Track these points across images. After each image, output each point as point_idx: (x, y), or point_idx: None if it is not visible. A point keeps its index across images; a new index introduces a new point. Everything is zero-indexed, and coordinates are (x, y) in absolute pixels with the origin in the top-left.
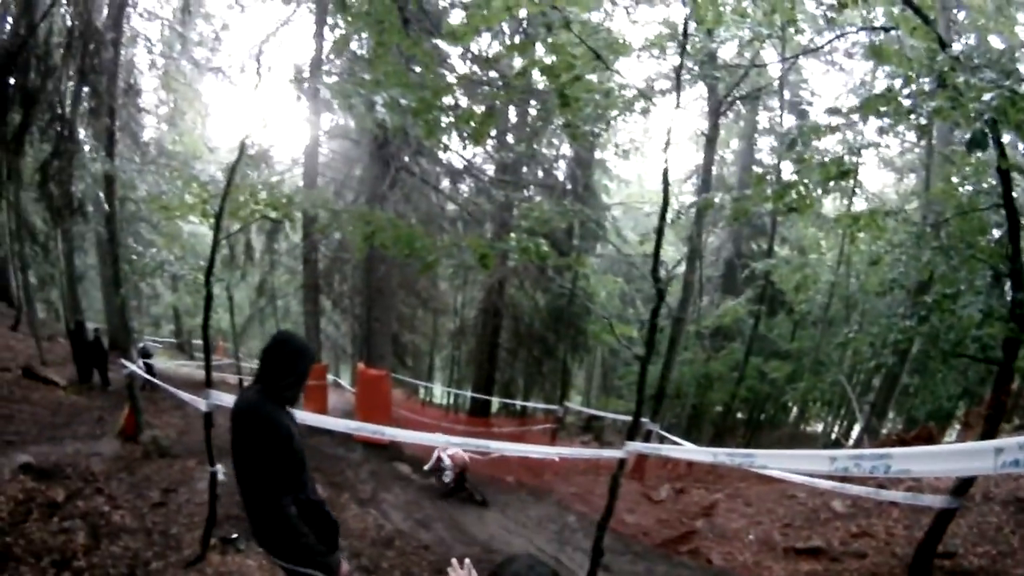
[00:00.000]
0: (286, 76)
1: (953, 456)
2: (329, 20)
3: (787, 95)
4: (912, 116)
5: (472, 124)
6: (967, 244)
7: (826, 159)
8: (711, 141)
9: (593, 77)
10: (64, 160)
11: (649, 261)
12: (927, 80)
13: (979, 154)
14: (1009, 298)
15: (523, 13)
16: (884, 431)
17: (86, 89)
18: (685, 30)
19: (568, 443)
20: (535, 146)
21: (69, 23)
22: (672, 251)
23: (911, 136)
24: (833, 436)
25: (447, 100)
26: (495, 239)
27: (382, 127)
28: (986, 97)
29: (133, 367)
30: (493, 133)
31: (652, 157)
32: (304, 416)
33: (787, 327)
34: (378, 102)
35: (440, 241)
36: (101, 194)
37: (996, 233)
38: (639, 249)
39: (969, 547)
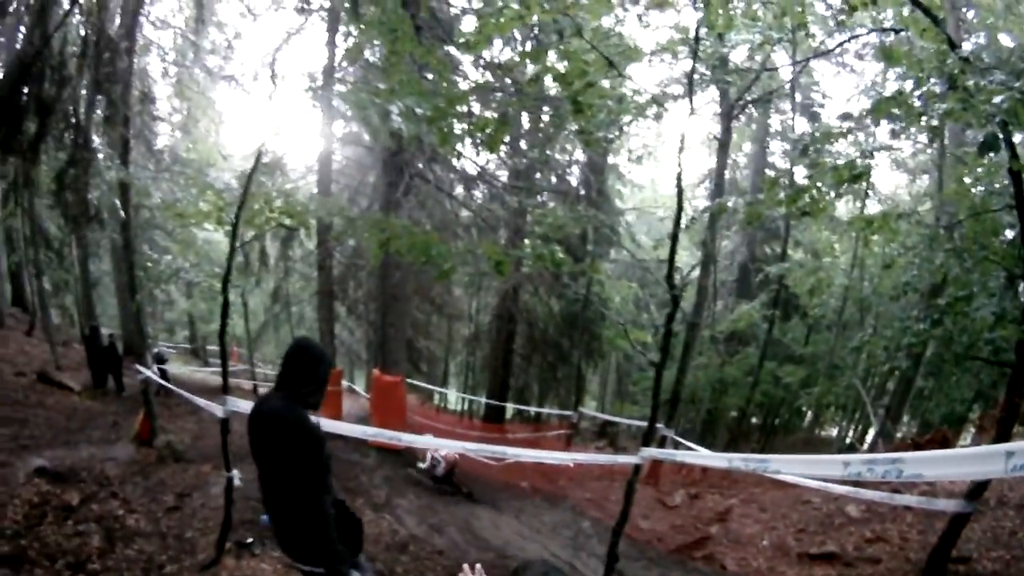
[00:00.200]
0: (299, 84)
1: (964, 460)
2: (341, 28)
3: (799, 98)
4: (923, 118)
5: (487, 131)
6: (980, 246)
7: (839, 162)
8: (723, 145)
9: (606, 83)
10: (80, 168)
11: (663, 266)
12: (938, 82)
13: (991, 155)
14: (1023, 300)
15: (535, 18)
16: (899, 435)
17: (100, 98)
18: (697, 35)
19: (583, 449)
20: (548, 152)
21: (83, 33)
22: (686, 256)
23: (923, 137)
24: (848, 440)
25: (461, 107)
26: (509, 245)
27: (397, 136)
28: (997, 99)
29: (148, 372)
30: (506, 139)
31: (665, 162)
32: (323, 422)
33: (801, 331)
34: (393, 112)
35: (455, 248)
36: (116, 201)
37: (1009, 234)
38: (653, 254)
39: (983, 551)
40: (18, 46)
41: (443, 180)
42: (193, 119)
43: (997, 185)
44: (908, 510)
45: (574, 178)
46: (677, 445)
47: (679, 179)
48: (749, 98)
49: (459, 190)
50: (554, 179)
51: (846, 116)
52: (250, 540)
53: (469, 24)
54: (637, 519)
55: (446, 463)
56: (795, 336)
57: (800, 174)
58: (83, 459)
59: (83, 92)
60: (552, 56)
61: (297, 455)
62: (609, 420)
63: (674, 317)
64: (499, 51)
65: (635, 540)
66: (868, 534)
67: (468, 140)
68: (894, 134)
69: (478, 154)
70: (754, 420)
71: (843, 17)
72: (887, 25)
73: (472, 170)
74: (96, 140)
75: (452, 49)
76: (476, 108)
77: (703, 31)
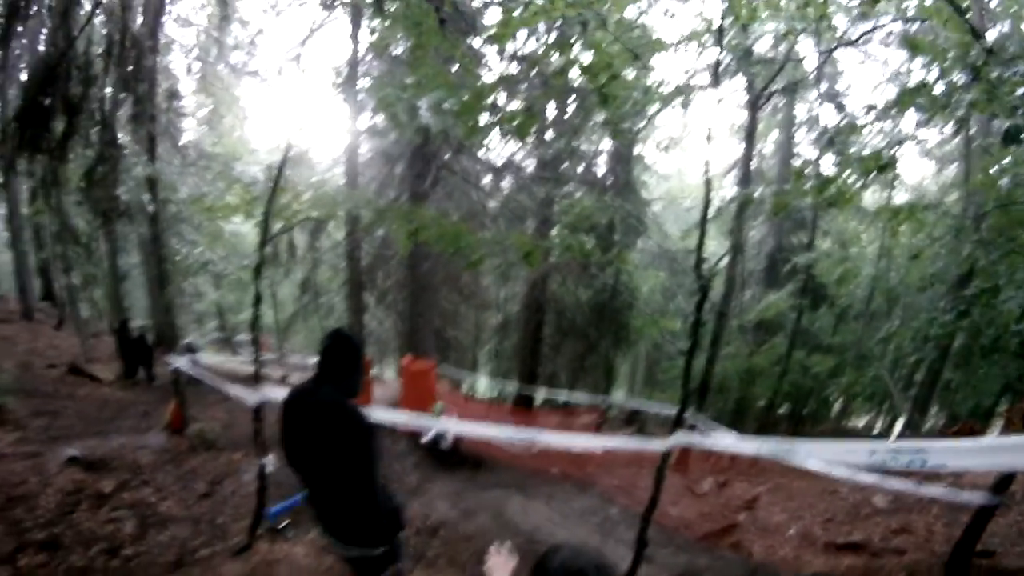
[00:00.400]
0: (324, 79)
1: (989, 451)
2: (364, 22)
3: (824, 87)
4: (948, 110)
5: (515, 123)
6: (1007, 238)
7: (865, 153)
8: (750, 135)
9: (631, 73)
10: (108, 165)
11: (691, 255)
12: (962, 72)
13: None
14: None
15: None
16: (926, 427)
17: (126, 96)
18: (721, 26)
19: (612, 436)
20: (575, 142)
21: (107, 34)
22: (714, 245)
23: (949, 127)
24: (875, 431)
25: (488, 100)
26: (537, 235)
27: (424, 130)
28: (1020, 91)
29: (180, 362)
30: (533, 130)
31: (691, 151)
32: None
33: (829, 321)
34: (421, 107)
35: (484, 238)
36: (145, 197)
37: None
38: (680, 244)
39: (1008, 546)
40: (41, 48)
41: (470, 171)
42: (218, 114)
43: None
44: (934, 502)
45: (601, 168)
46: (708, 430)
47: (707, 169)
48: (774, 88)
49: (486, 180)
50: (581, 169)
51: (871, 108)
52: (283, 524)
53: (492, 16)
54: (666, 506)
55: (452, 435)
56: (823, 325)
57: (827, 164)
58: (115, 448)
59: (108, 91)
60: (577, 48)
61: (356, 444)
62: (638, 408)
63: (703, 306)
64: (523, 43)
65: (663, 527)
66: (894, 525)
67: (495, 131)
68: (920, 124)
69: (504, 144)
70: (782, 410)
71: (866, 7)
72: (911, 14)
73: (499, 161)
74: (123, 137)
75: (477, 42)
76: (502, 100)
77: (727, 21)
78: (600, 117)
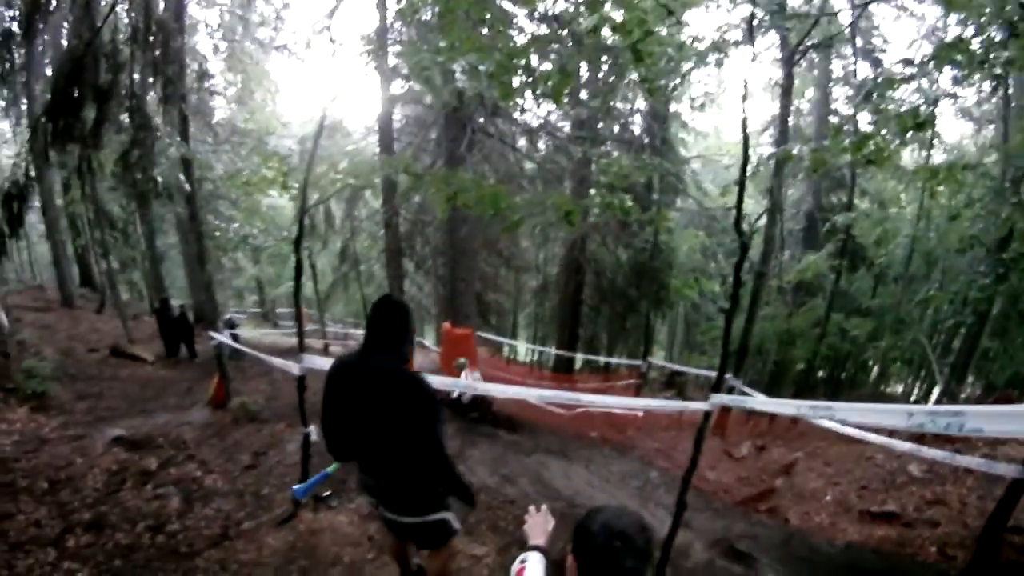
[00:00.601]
0: (354, 48)
1: None
2: None
3: (859, 42)
4: (985, 66)
5: (549, 83)
6: None
7: (902, 110)
8: (786, 91)
9: (664, 30)
10: (143, 149)
11: (729, 214)
12: (999, 28)
13: None
14: None
15: None
16: (963, 395)
17: (156, 79)
18: None
19: (651, 399)
20: (610, 101)
21: (132, 20)
22: (752, 204)
23: (987, 85)
24: (912, 398)
25: (521, 61)
26: (575, 195)
27: (458, 94)
28: None
29: (220, 338)
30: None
31: (728, 109)
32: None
33: (868, 283)
34: (456, 71)
35: (522, 199)
36: (181, 176)
37: None
38: (719, 202)
39: None
40: (65, 43)
41: (506, 133)
42: (248, 91)
43: None
44: (969, 473)
45: (637, 127)
46: (745, 395)
47: (744, 126)
48: (809, 43)
49: (522, 142)
50: (617, 128)
51: (908, 62)
52: (327, 493)
53: None
54: (704, 470)
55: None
56: (861, 287)
57: (864, 121)
58: (159, 426)
59: (137, 76)
60: (608, 5)
61: (422, 411)
62: (677, 370)
63: (743, 265)
64: (553, 2)
65: (702, 491)
66: (928, 495)
67: (529, 93)
68: (957, 81)
69: (539, 106)
70: (820, 374)
71: None
72: None
73: (534, 122)
74: (155, 120)
75: (507, 3)
76: (534, 59)
77: None
78: (634, 75)
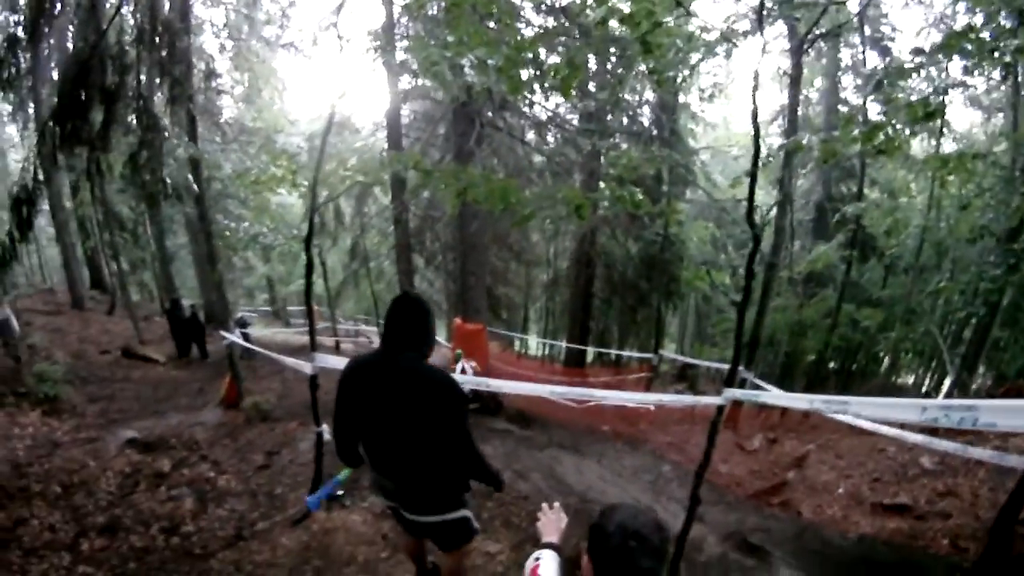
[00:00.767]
0: (361, 44)
1: None
2: None
3: (868, 31)
4: (995, 54)
5: (558, 77)
6: None
7: (912, 98)
8: (795, 81)
9: (671, 20)
10: (152, 150)
11: (739, 206)
12: (1008, 16)
13: None
14: None
15: None
16: (974, 386)
17: (160, 80)
18: None
19: (663, 392)
20: (618, 93)
21: (137, 22)
22: (761, 194)
23: (997, 73)
24: (924, 389)
25: (530, 55)
26: (585, 188)
27: (467, 89)
28: None
29: (232, 337)
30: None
31: (737, 100)
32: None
33: (879, 273)
34: (465, 65)
35: (532, 193)
36: (189, 176)
37: None
38: (729, 193)
39: None
40: (70, 46)
41: (514, 127)
42: (256, 89)
43: None
44: (980, 465)
45: (646, 119)
46: (757, 388)
47: (755, 117)
48: (818, 32)
49: (531, 136)
50: (625, 120)
51: (918, 51)
52: (341, 492)
53: None
54: (716, 463)
55: (473, 374)
56: (872, 278)
57: (873, 110)
58: (172, 427)
59: (143, 77)
60: None
61: (455, 408)
62: (688, 363)
63: (755, 257)
64: None
65: (714, 484)
66: (940, 487)
67: (537, 86)
68: (967, 70)
69: (547, 99)
70: (832, 365)
71: None
72: None
73: (543, 115)
74: (163, 120)
75: None
76: (543, 54)
77: None
78: (643, 67)
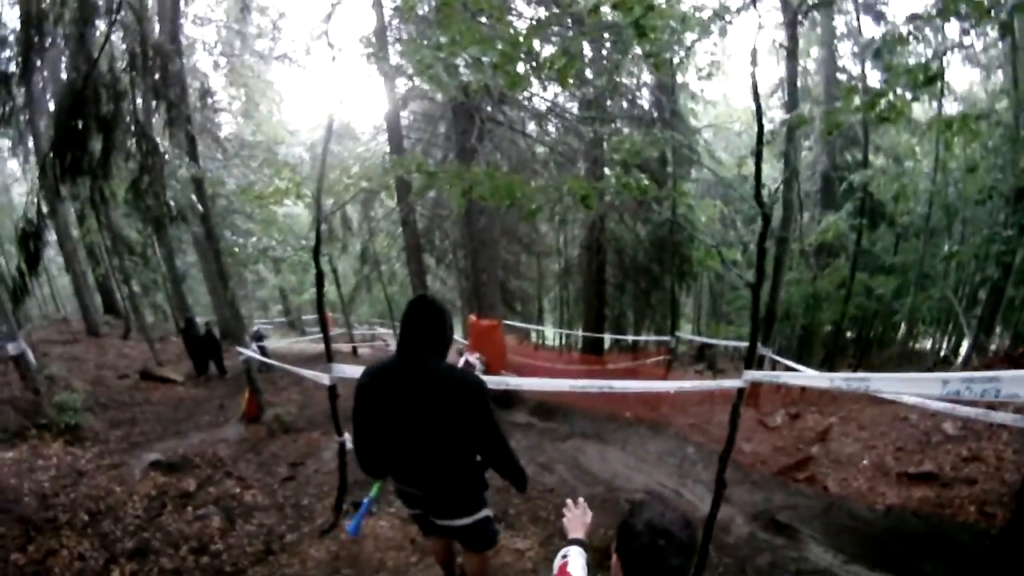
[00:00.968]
0: (354, 50)
1: None
2: None
3: None
4: (992, 13)
5: (555, 67)
6: None
7: (911, 63)
8: (791, 53)
9: (663, 2)
10: (153, 174)
11: (746, 182)
12: None
13: None
14: None
15: None
16: (992, 347)
17: (154, 104)
18: None
19: (682, 374)
20: (616, 78)
21: (128, 48)
22: (766, 168)
23: (995, 32)
24: (942, 353)
25: (524, 48)
26: (590, 176)
27: (464, 87)
28: None
29: (248, 352)
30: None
31: (735, 75)
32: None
33: (890, 240)
34: (460, 64)
35: (538, 185)
36: (193, 197)
37: None
38: (734, 170)
39: None
40: (64, 76)
41: (515, 120)
42: (253, 103)
43: None
44: (1004, 428)
45: (646, 102)
46: (775, 364)
47: (755, 93)
48: (811, 2)
49: (532, 128)
50: (625, 105)
51: (914, 17)
52: (375, 510)
53: None
54: (740, 442)
55: (481, 364)
56: (884, 245)
57: (872, 78)
58: (195, 445)
59: (139, 102)
60: None
61: (484, 410)
62: (706, 342)
63: (766, 235)
64: None
65: (739, 463)
66: (964, 452)
67: (535, 78)
68: (964, 32)
69: (545, 89)
70: (848, 334)
71: None
72: None
73: (542, 106)
74: (163, 143)
75: None
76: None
77: None
78: (639, 51)
